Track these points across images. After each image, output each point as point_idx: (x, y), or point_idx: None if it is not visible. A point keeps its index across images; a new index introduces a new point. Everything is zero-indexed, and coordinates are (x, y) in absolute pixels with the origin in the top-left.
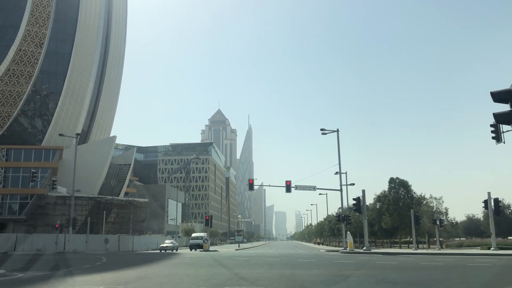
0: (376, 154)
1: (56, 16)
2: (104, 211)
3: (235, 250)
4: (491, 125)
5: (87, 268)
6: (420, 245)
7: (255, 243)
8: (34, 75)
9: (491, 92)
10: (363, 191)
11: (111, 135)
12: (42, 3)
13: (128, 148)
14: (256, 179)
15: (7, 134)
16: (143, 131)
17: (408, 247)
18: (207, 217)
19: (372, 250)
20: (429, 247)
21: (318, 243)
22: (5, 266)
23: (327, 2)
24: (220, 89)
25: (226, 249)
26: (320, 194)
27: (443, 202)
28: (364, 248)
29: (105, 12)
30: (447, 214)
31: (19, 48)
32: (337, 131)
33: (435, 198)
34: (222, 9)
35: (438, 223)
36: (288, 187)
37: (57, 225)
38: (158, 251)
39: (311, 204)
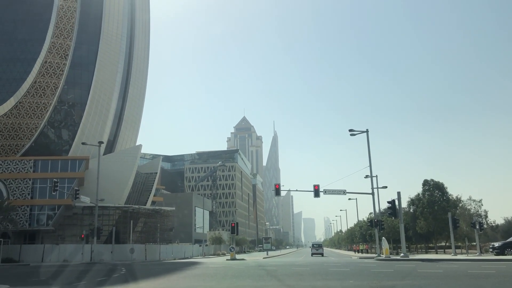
0: (407, 155)
1: (80, 27)
2: (131, 221)
3: (263, 258)
4: None
5: (101, 281)
6: (457, 250)
7: (283, 251)
8: (60, 86)
9: None
10: (399, 193)
11: (137, 144)
12: (66, 15)
13: (155, 157)
14: (283, 185)
15: (34, 145)
16: (170, 140)
17: (445, 252)
18: (232, 224)
19: (410, 257)
20: (467, 253)
21: (361, 251)
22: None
23: (352, 5)
24: (244, 96)
25: (254, 257)
26: (349, 199)
27: (482, 204)
28: (402, 254)
29: (128, 22)
30: (486, 217)
31: (44, 61)
32: (367, 131)
33: (474, 201)
34: (246, 16)
35: (477, 226)
36: (316, 192)
37: (83, 235)
38: (186, 260)
39: (341, 210)
